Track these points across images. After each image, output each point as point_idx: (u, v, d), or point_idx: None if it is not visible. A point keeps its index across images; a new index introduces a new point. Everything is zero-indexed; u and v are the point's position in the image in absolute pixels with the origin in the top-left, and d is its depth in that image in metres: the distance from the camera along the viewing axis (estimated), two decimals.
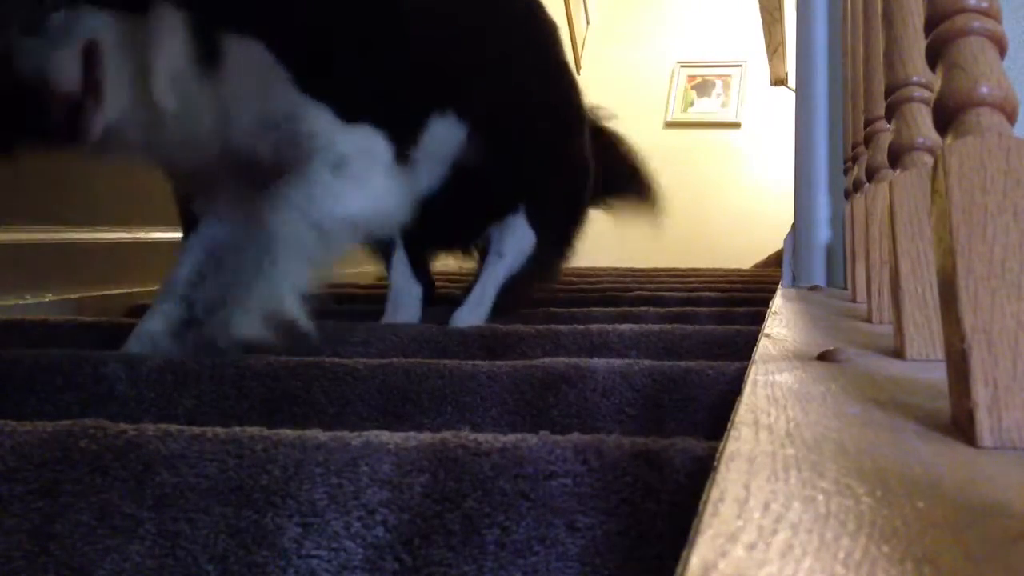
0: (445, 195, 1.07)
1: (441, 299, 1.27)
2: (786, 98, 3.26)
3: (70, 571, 0.45)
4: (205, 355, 0.79)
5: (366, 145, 0.91)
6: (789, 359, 0.54)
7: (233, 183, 0.97)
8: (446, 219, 1.13)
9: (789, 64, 3.34)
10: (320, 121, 0.89)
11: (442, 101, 1.03)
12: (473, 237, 1.19)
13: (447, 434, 0.50)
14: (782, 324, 0.77)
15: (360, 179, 0.89)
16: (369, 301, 1.55)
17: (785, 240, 1.46)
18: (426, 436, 0.49)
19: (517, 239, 1.12)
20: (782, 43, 3.41)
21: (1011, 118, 0.39)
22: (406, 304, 1.16)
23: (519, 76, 1.13)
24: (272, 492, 0.46)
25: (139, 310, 1.33)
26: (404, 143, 0.96)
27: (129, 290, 1.37)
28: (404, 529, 0.44)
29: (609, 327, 0.98)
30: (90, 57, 0.82)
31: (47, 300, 1.20)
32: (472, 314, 1.10)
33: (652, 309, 1.27)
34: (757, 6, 3.33)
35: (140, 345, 0.92)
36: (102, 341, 0.98)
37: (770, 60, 3.65)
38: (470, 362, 0.76)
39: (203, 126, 0.89)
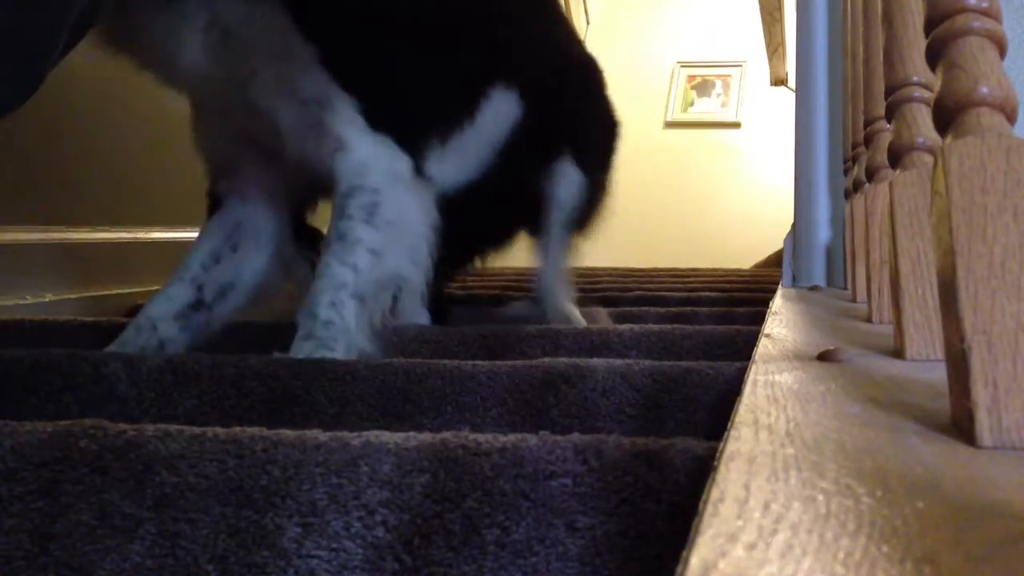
0: (497, 165, 1.10)
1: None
2: (786, 98, 3.26)
3: (70, 571, 0.45)
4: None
5: (395, 168, 0.90)
6: (789, 359, 0.54)
7: (257, 161, 0.96)
8: (499, 184, 1.14)
9: (789, 64, 3.34)
10: (347, 123, 0.88)
11: (499, 75, 1.07)
12: (527, 194, 1.21)
13: (447, 434, 0.50)
14: (782, 324, 0.77)
15: (398, 228, 0.89)
16: None
17: (785, 240, 1.46)
18: (426, 436, 0.49)
19: (569, 181, 1.19)
20: (782, 43, 3.41)
21: (1011, 118, 0.39)
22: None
23: (551, 44, 1.21)
24: (272, 492, 0.46)
25: (139, 310, 1.33)
26: (453, 126, 0.98)
27: (129, 290, 1.37)
28: (404, 529, 0.44)
29: (609, 327, 0.98)
30: None
31: (47, 300, 1.20)
32: (558, 253, 1.18)
33: (652, 309, 1.27)
34: (757, 6, 3.33)
35: (138, 331, 0.92)
36: (102, 341, 0.98)
37: (770, 60, 3.65)
38: (470, 362, 0.76)
39: (229, 68, 0.88)
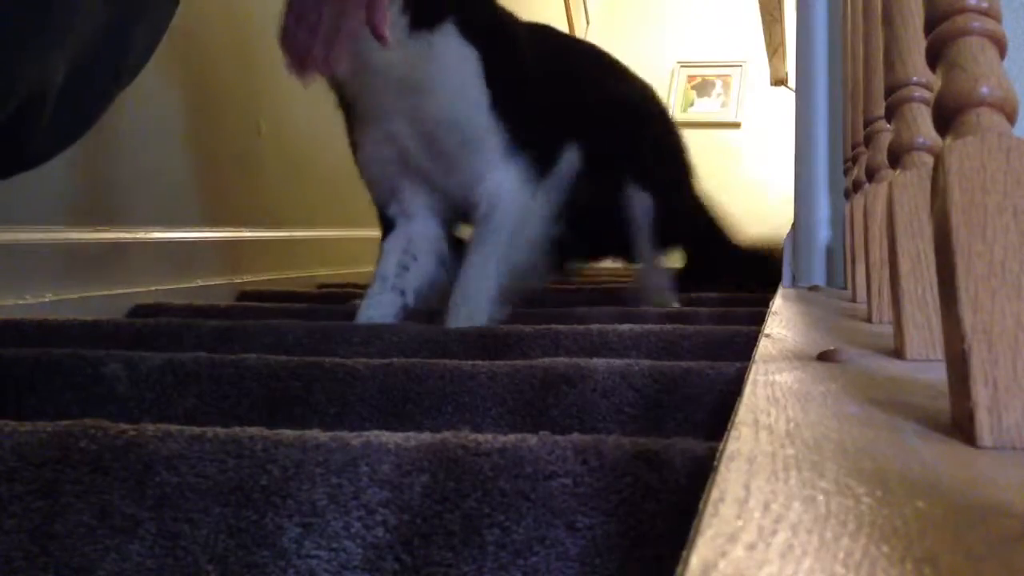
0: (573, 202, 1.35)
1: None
2: (786, 98, 3.26)
3: (70, 571, 0.45)
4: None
5: (521, 193, 1.21)
6: (789, 359, 0.54)
7: (419, 186, 1.22)
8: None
9: (789, 64, 3.34)
10: (498, 154, 1.19)
11: (572, 131, 1.36)
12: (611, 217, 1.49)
13: (447, 434, 0.50)
14: (782, 324, 0.76)
15: (521, 236, 1.21)
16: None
17: (785, 240, 1.46)
18: (426, 436, 0.49)
19: (639, 203, 1.45)
20: (782, 43, 3.41)
21: (1011, 118, 0.39)
22: None
23: (606, 99, 1.50)
24: (272, 492, 0.46)
25: (139, 310, 1.33)
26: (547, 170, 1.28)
27: (129, 290, 1.37)
28: (404, 529, 0.44)
29: (609, 327, 0.98)
30: None
31: (47, 300, 1.20)
32: (649, 258, 1.50)
33: (652, 309, 1.27)
34: (757, 6, 3.33)
35: None
36: (102, 341, 0.99)
37: (770, 60, 3.65)
38: (470, 362, 0.76)
39: (400, 88, 1.14)
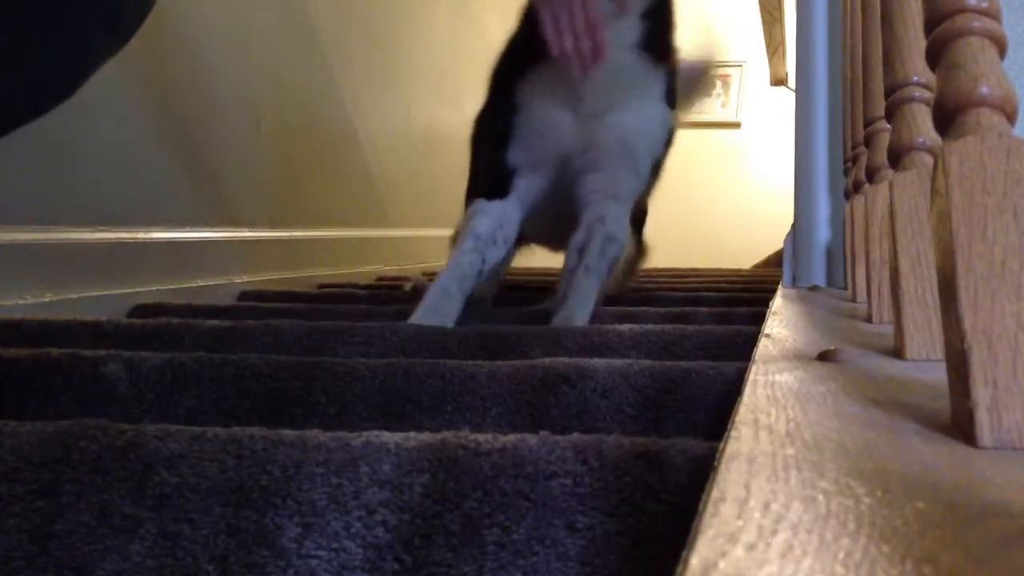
0: None
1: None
2: (786, 98, 3.26)
3: (70, 571, 0.45)
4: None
5: (625, 230, 1.32)
6: (789, 359, 0.54)
7: (547, 172, 1.29)
8: None
9: (789, 64, 3.34)
10: (628, 194, 1.31)
11: None
12: None
13: (447, 434, 0.50)
14: (782, 324, 0.76)
15: (613, 263, 1.30)
16: (371, 301, 1.55)
17: (785, 240, 1.46)
18: (426, 436, 0.49)
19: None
20: (782, 43, 3.41)
21: (1011, 118, 0.39)
22: None
23: None
24: (272, 492, 0.46)
25: (139, 310, 1.33)
26: None
27: (129, 290, 1.37)
28: (404, 529, 0.44)
29: (609, 327, 0.98)
30: None
31: (47, 300, 1.20)
32: None
33: (652, 309, 1.27)
34: (757, 6, 3.33)
35: (449, 297, 1.18)
36: (102, 341, 0.98)
37: (770, 60, 3.65)
38: (470, 362, 0.76)
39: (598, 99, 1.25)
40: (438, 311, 1.15)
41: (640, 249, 1.61)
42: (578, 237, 1.26)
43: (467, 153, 1.53)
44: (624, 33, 1.24)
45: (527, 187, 1.29)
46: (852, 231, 0.99)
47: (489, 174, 1.33)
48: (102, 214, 1.37)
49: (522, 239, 1.45)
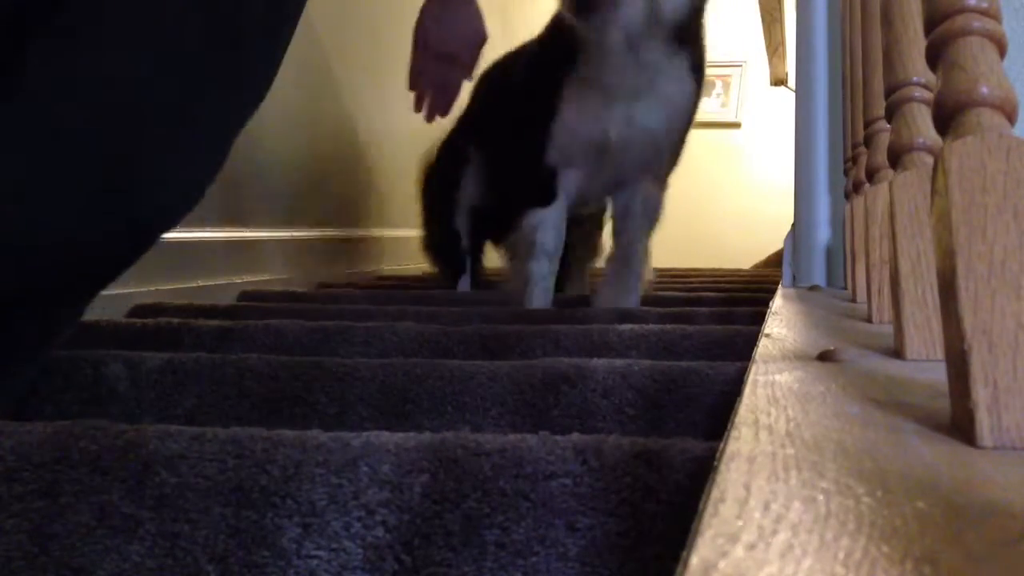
0: None
1: None
2: (786, 98, 3.26)
3: (70, 571, 0.45)
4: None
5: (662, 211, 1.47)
6: (789, 359, 0.54)
7: (587, 169, 1.38)
8: None
9: (789, 64, 3.34)
10: (664, 173, 1.45)
11: None
12: None
13: (447, 434, 0.50)
14: (782, 324, 0.76)
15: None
16: (371, 301, 1.55)
17: (785, 240, 1.46)
18: (426, 436, 0.49)
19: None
20: (782, 43, 3.41)
21: (1011, 118, 0.39)
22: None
23: None
24: (272, 492, 0.46)
25: (139, 310, 1.33)
26: None
27: (130, 290, 1.37)
28: (404, 529, 0.44)
29: (609, 327, 0.98)
30: None
31: None
32: None
33: (652, 309, 1.27)
34: (757, 6, 3.33)
35: (545, 291, 1.40)
36: (102, 341, 0.98)
37: (770, 60, 3.65)
38: (470, 362, 0.76)
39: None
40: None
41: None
42: (619, 212, 1.41)
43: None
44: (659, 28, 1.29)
45: (571, 181, 1.39)
46: (852, 231, 0.99)
47: (534, 179, 1.41)
48: None
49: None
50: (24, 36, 0.59)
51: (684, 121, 1.40)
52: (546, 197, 1.39)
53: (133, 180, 0.62)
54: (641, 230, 1.41)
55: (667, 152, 1.41)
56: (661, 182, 1.44)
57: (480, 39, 1.35)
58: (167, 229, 0.68)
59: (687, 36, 1.34)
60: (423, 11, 1.36)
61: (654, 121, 1.35)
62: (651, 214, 1.42)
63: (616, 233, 1.44)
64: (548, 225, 1.38)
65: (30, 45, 0.59)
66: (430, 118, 1.40)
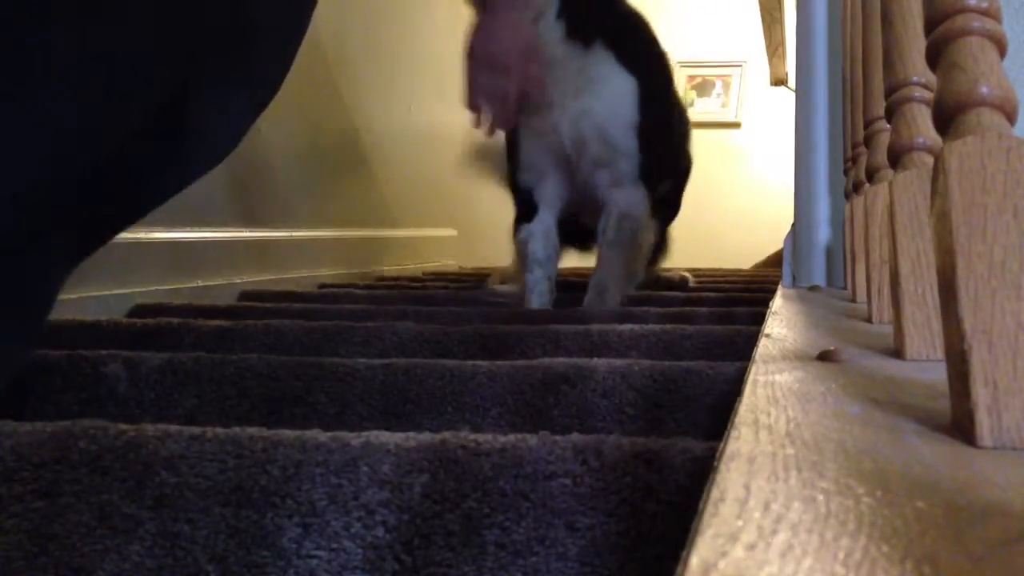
0: None
1: None
2: (786, 98, 3.26)
3: (70, 571, 0.45)
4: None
5: (644, 207, 1.49)
6: (789, 359, 0.54)
7: (560, 178, 1.47)
8: None
9: (789, 64, 3.34)
10: (628, 171, 1.46)
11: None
12: None
13: (447, 434, 0.50)
14: (782, 324, 0.76)
15: (640, 243, 1.51)
16: (372, 301, 1.55)
17: (785, 240, 1.46)
18: (426, 436, 0.49)
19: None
20: (782, 43, 3.41)
21: (1011, 118, 0.39)
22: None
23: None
24: (272, 492, 0.46)
25: (139, 310, 1.33)
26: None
27: (129, 290, 1.37)
28: (404, 529, 0.44)
29: (609, 327, 0.98)
30: None
31: None
32: None
33: (652, 309, 1.27)
34: (757, 6, 3.33)
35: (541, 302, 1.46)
36: (102, 341, 0.98)
37: (770, 60, 3.64)
38: (470, 362, 0.76)
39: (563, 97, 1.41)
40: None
41: (664, 240, 1.81)
42: (600, 222, 1.47)
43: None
44: (551, 28, 1.39)
45: (550, 192, 1.48)
46: (852, 231, 0.99)
47: (518, 197, 1.53)
48: None
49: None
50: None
51: (629, 116, 1.43)
52: (529, 212, 1.50)
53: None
54: (616, 240, 1.45)
55: (624, 150, 1.44)
56: (636, 186, 1.47)
57: (527, 46, 1.37)
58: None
59: (599, 29, 1.41)
60: (472, 26, 1.39)
61: (597, 118, 1.41)
62: (626, 223, 1.45)
63: (597, 244, 1.51)
64: (536, 237, 1.47)
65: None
66: (491, 132, 1.43)
